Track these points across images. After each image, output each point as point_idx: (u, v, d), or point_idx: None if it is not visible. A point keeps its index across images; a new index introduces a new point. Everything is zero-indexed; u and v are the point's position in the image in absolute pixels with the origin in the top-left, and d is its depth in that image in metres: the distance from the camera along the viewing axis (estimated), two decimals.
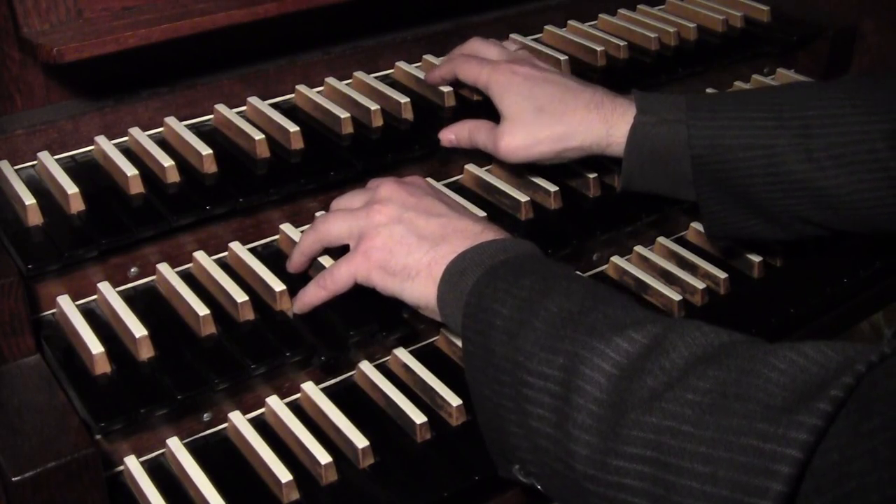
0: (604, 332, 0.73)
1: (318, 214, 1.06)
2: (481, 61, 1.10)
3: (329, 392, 0.98)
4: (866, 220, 0.99)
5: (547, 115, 1.03)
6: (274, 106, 1.11)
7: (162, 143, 1.04)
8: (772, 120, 0.98)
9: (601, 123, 1.03)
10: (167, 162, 0.98)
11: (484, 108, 1.15)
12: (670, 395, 0.67)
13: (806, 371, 0.64)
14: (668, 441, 0.65)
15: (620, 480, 0.68)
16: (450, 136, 1.10)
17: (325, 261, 0.98)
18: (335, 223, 0.95)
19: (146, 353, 0.88)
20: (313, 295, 0.93)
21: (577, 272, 0.86)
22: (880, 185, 0.96)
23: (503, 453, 0.80)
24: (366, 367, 1.01)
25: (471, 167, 1.17)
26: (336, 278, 0.92)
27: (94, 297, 0.96)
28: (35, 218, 0.92)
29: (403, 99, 1.11)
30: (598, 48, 1.26)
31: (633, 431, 0.67)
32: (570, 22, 1.37)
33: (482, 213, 1.06)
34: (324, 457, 0.89)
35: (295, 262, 0.98)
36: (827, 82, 1.06)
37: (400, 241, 0.89)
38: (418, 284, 0.88)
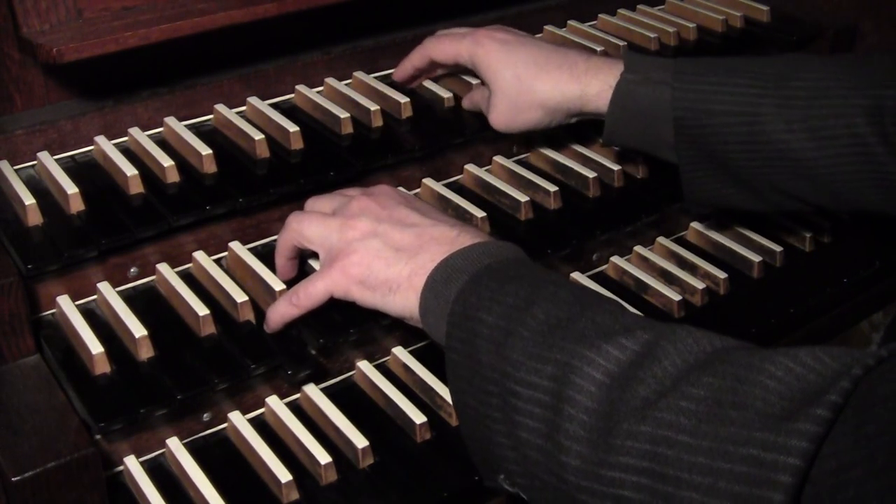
0: (593, 340, 0.72)
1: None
2: (456, 35, 1.11)
3: (329, 392, 0.98)
4: (842, 195, 0.98)
5: (524, 83, 1.04)
6: (274, 106, 1.11)
7: (162, 143, 1.04)
8: (756, 88, 0.98)
9: (574, 83, 1.04)
10: (167, 162, 0.98)
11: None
12: (664, 403, 0.66)
13: (803, 379, 0.63)
14: (664, 451, 0.65)
15: (617, 492, 0.67)
16: (467, 103, 1.14)
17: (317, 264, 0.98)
18: (310, 224, 0.92)
19: (146, 353, 0.88)
20: (284, 312, 0.91)
21: (562, 276, 0.85)
22: (857, 160, 0.95)
23: (488, 463, 0.79)
24: (365, 367, 1.01)
25: (471, 167, 1.17)
26: (311, 294, 0.90)
27: (94, 297, 0.96)
28: (35, 218, 0.92)
29: (403, 99, 1.11)
30: (598, 48, 1.26)
31: (627, 442, 0.66)
32: (569, 22, 1.37)
33: (482, 214, 1.07)
34: (323, 457, 0.89)
35: (277, 264, 0.97)
36: (814, 56, 1.05)
37: (377, 255, 0.88)
38: (400, 297, 0.87)
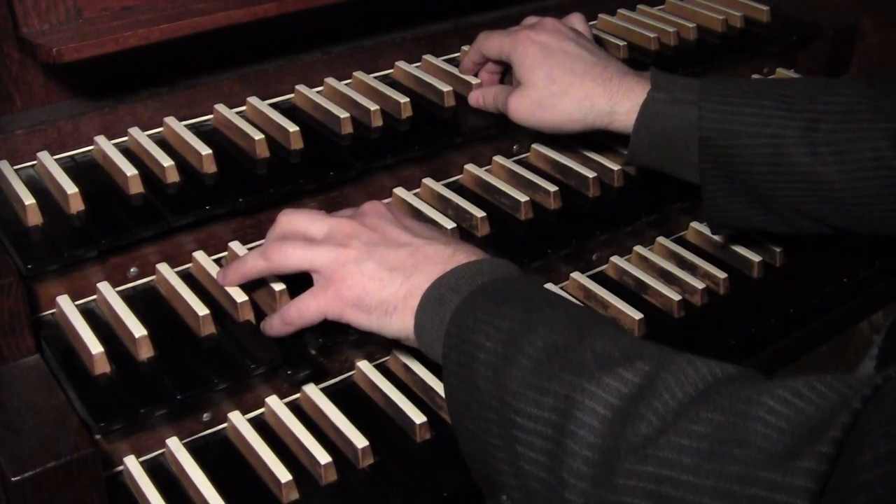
0: (594, 372, 0.71)
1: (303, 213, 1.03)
2: (502, 33, 1.13)
3: (329, 392, 0.98)
4: (863, 218, 0.99)
5: (556, 86, 1.05)
6: (273, 106, 1.11)
7: (161, 143, 1.04)
8: (781, 110, 0.99)
9: (605, 99, 1.04)
10: (167, 162, 0.98)
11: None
12: (664, 440, 0.65)
13: (803, 413, 0.63)
14: (668, 492, 0.64)
15: None
16: (477, 98, 1.15)
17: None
18: (294, 254, 0.89)
19: (146, 353, 0.88)
20: (279, 329, 0.90)
21: (556, 294, 0.84)
22: (880, 182, 0.96)
23: (490, 485, 0.78)
24: (365, 366, 1.01)
25: (470, 167, 1.17)
26: (304, 314, 0.88)
27: (94, 296, 0.96)
28: (35, 218, 0.92)
29: (403, 99, 1.11)
30: None
31: (629, 481, 0.65)
32: None
33: (482, 214, 1.07)
34: (323, 457, 0.89)
35: (231, 280, 0.93)
36: (839, 79, 1.06)
37: (371, 277, 0.86)
38: (396, 319, 0.86)
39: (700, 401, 0.67)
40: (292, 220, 0.93)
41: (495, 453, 0.75)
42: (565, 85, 1.05)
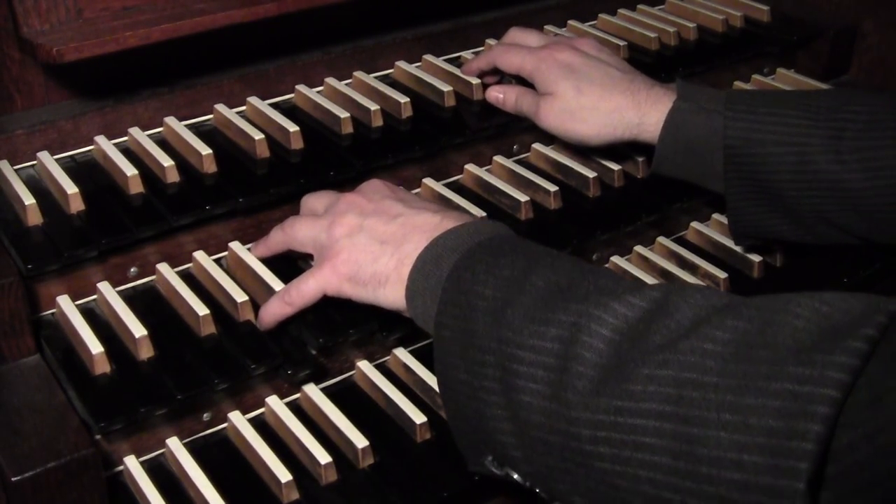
0: (599, 299, 0.71)
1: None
2: (522, 49, 1.13)
3: (329, 392, 0.98)
4: (890, 227, 0.99)
5: (586, 98, 1.07)
6: (274, 106, 1.11)
7: (162, 142, 1.04)
8: (806, 119, 1.00)
9: (634, 112, 1.06)
10: (167, 162, 0.98)
11: (486, 108, 1.15)
12: (686, 345, 0.65)
13: (830, 317, 0.63)
14: (689, 394, 0.63)
15: (638, 439, 0.65)
16: (497, 94, 1.15)
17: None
18: (301, 228, 0.94)
19: (146, 352, 0.88)
20: (277, 311, 0.91)
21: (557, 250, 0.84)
22: None
23: (477, 443, 0.78)
24: (365, 366, 1.01)
25: (471, 167, 1.17)
26: (304, 292, 0.90)
27: (94, 296, 0.96)
28: (35, 218, 0.92)
29: (403, 99, 1.11)
30: None
31: (649, 387, 0.65)
32: (569, 22, 1.37)
33: (482, 214, 1.07)
34: (323, 457, 0.89)
35: (259, 252, 0.99)
36: (863, 90, 1.06)
37: (363, 249, 0.88)
38: (390, 289, 0.87)
39: (722, 312, 0.67)
40: (310, 200, 0.99)
41: (489, 398, 0.75)
42: (595, 99, 1.06)
